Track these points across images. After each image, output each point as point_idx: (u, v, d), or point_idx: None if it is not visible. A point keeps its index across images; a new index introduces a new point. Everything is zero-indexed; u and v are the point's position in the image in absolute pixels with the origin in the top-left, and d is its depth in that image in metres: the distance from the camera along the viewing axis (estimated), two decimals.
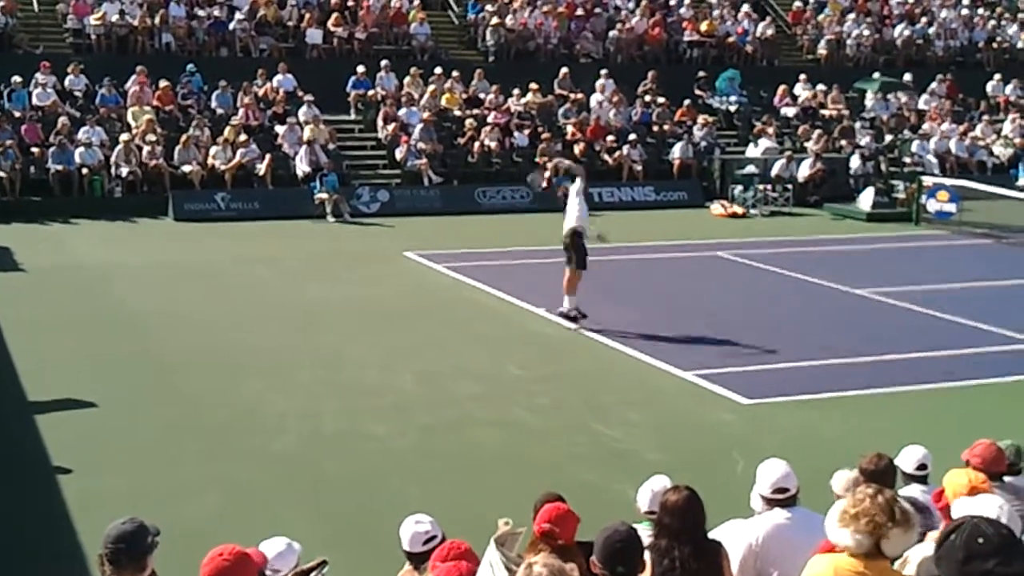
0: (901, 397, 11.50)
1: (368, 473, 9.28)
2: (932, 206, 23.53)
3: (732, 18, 32.38)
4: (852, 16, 33.99)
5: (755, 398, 11.32)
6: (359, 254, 19.16)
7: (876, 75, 30.81)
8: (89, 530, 7.60)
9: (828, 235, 22.12)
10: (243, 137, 23.67)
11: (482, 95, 27.17)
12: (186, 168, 22.92)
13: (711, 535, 5.10)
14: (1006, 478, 6.02)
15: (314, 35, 27.75)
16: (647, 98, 28.28)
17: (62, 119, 22.84)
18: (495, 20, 29.29)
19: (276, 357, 12.64)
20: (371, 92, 26.70)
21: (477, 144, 25.37)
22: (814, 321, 14.96)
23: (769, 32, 32.31)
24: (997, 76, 33.16)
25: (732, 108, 29.43)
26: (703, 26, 31.35)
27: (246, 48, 27.30)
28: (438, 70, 27.25)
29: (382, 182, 24.43)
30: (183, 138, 23.30)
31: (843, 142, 28.16)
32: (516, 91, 27.05)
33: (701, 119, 27.92)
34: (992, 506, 4.35)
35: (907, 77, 31.64)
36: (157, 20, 26.63)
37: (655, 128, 27.69)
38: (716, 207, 24.63)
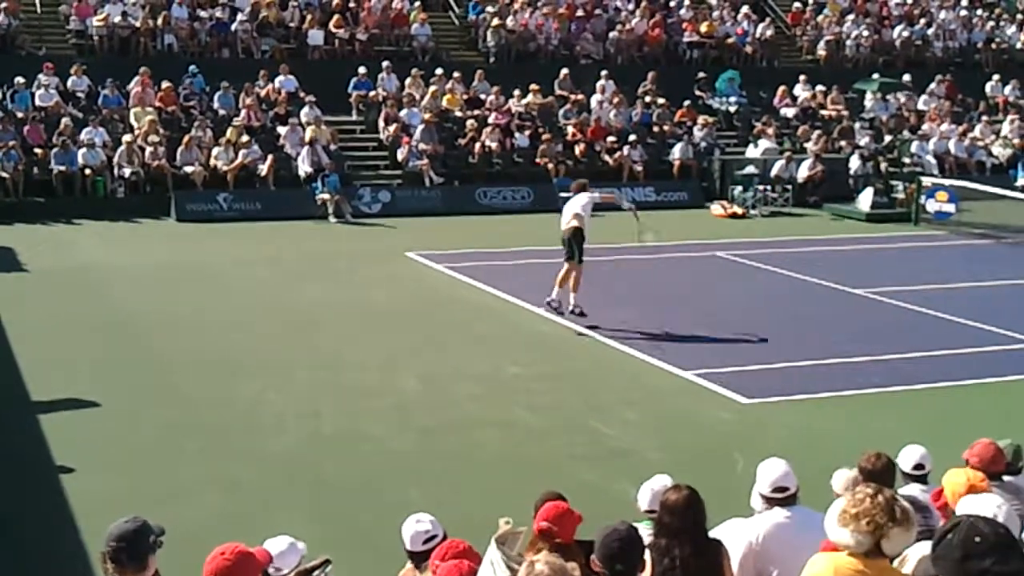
0: (900, 396, 11.51)
1: (368, 473, 9.29)
2: (931, 206, 23.54)
3: (732, 19, 32.37)
4: (851, 17, 33.97)
5: (755, 397, 11.34)
6: (360, 254, 19.18)
7: (875, 76, 30.74)
8: (90, 530, 7.64)
9: (827, 235, 22.12)
10: (245, 138, 23.70)
11: (483, 96, 27.17)
12: (188, 169, 22.95)
13: (711, 534, 5.12)
14: (1005, 477, 6.04)
15: (316, 36, 27.75)
16: (647, 99, 28.28)
17: (65, 120, 22.87)
18: (496, 21, 29.29)
19: (277, 357, 12.66)
20: (372, 93, 26.72)
21: (478, 145, 25.39)
22: (813, 321, 14.97)
23: (769, 33, 32.31)
24: (996, 77, 33.12)
25: (732, 109, 29.42)
26: (703, 27, 31.35)
27: (248, 49, 27.31)
28: (439, 71, 27.28)
29: (383, 183, 24.47)
30: (185, 139, 23.35)
31: (842, 143, 28.16)
32: (517, 92, 27.04)
33: (701, 120, 27.93)
34: (991, 505, 4.37)
35: (906, 78, 31.59)
36: (159, 21, 26.65)
37: (655, 129, 27.70)
38: (716, 208, 24.64)
